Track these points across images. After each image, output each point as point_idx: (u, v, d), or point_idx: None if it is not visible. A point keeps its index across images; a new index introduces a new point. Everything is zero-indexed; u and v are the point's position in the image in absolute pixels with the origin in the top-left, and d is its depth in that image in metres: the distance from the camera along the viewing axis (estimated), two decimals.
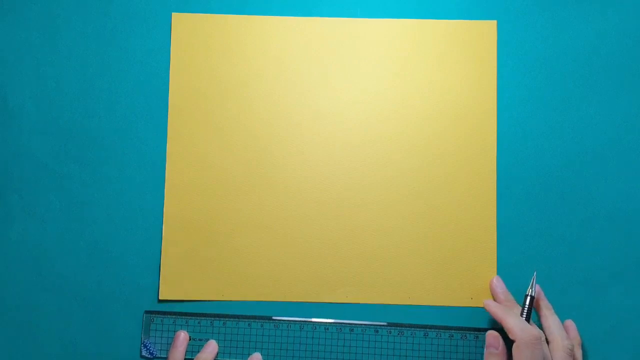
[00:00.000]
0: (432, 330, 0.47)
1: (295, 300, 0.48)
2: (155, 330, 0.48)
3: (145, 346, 0.47)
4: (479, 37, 0.49)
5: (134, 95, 0.50)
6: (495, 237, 0.49)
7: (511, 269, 0.49)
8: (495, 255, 0.49)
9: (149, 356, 0.47)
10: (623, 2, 0.50)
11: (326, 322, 0.48)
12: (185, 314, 0.48)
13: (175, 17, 0.49)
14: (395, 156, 0.49)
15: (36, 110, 0.50)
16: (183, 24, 0.49)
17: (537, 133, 0.49)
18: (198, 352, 0.47)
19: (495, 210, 0.49)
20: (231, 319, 0.47)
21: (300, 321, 0.47)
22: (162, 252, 0.49)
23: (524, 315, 0.45)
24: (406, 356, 0.47)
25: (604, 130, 0.49)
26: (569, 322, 0.47)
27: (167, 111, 0.50)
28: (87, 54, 0.50)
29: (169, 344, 0.47)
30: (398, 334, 0.47)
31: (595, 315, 0.48)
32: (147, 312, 0.48)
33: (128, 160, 0.49)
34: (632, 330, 0.48)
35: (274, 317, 0.48)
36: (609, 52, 0.50)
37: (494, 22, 0.50)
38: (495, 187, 0.49)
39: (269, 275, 0.49)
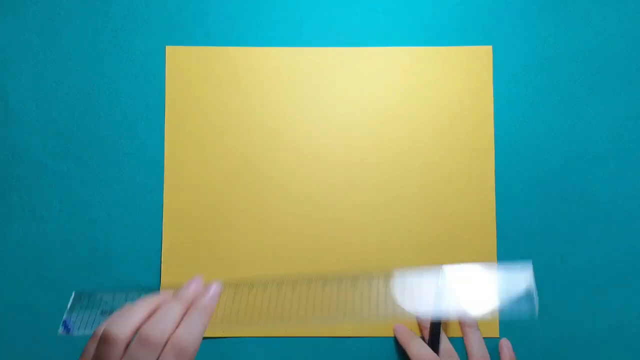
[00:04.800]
0: None
1: None
2: (83, 308, 0.40)
3: (64, 322, 0.41)
4: (475, 62, 0.49)
5: (134, 95, 0.50)
6: (495, 239, 0.49)
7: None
8: (496, 255, 0.49)
9: (65, 332, 0.41)
10: (624, 4, 0.50)
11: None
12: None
13: (170, 50, 0.49)
14: (394, 178, 0.49)
15: (36, 110, 0.50)
16: (177, 57, 0.49)
17: (537, 133, 0.49)
18: None
19: (494, 210, 0.49)
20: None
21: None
22: (162, 253, 0.49)
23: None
24: None
25: (604, 131, 0.49)
26: (503, 341, 0.47)
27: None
28: (87, 53, 0.50)
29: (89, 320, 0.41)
30: None
31: (595, 315, 0.48)
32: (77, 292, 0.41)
33: (128, 160, 0.49)
34: (632, 330, 0.48)
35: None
36: (608, 53, 0.50)
37: (490, 47, 0.50)
38: (494, 187, 0.49)
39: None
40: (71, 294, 0.40)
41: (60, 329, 0.40)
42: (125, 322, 0.34)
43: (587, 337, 0.48)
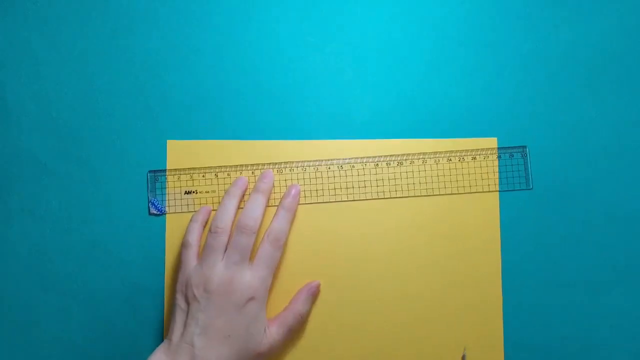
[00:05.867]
0: None
1: None
2: (161, 188, 0.49)
3: (152, 203, 0.48)
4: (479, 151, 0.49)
5: (134, 95, 0.50)
6: (499, 236, 0.49)
7: (513, 269, 0.49)
8: (500, 256, 0.49)
9: (157, 212, 0.48)
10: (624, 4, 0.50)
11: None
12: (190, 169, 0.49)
13: (170, 144, 0.49)
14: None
15: (36, 110, 0.50)
16: (178, 150, 0.49)
17: (537, 133, 0.50)
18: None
19: (498, 212, 0.49)
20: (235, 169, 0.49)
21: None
22: (165, 253, 0.49)
23: None
24: None
25: (604, 131, 0.50)
26: None
27: (167, 113, 0.50)
28: (87, 53, 0.50)
29: (175, 199, 0.49)
30: None
31: (595, 315, 0.48)
32: (150, 171, 0.49)
33: (128, 160, 0.49)
34: (632, 330, 0.48)
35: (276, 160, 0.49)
36: (609, 57, 0.50)
37: (494, 139, 0.49)
38: (498, 189, 0.49)
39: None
40: (146, 175, 0.49)
41: (151, 209, 0.48)
42: (224, 216, 0.45)
43: (587, 337, 0.48)
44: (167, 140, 0.49)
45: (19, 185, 0.49)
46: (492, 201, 0.49)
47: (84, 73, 0.50)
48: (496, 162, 0.49)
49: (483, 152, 0.49)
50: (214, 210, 0.49)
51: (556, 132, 0.50)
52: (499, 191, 0.49)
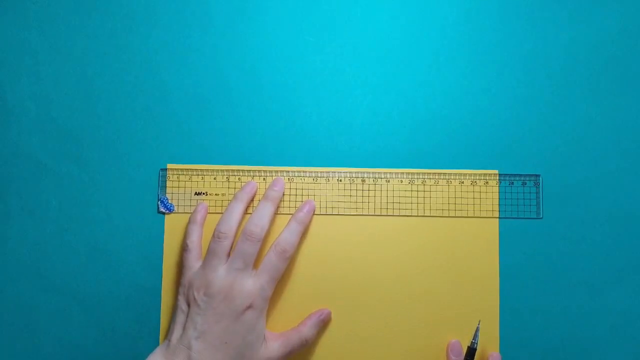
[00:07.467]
0: None
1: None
2: (172, 187, 0.49)
3: (161, 201, 0.48)
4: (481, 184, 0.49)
5: (134, 95, 0.50)
6: (498, 239, 0.49)
7: (512, 269, 0.49)
8: (498, 256, 0.49)
9: (166, 211, 0.48)
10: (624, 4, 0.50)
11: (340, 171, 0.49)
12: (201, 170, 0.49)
13: (170, 167, 0.49)
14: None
15: (35, 109, 0.50)
16: (176, 174, 0.49)
17: (536, 133, 0.50)
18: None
19: (497, 216, 0.49)
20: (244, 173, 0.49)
21: (314, 171, 0.49)
22: (163, 254, 0.49)
23: None
24: None
25: (604, 130, 0.50)
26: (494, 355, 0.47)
27: (166, 113, 0.50)
28: (87, 53, 0.50)
29: (185, 199, 0.49)
30: None
31: (595, 316, 0.48)
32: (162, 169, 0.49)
33: (128, 160, 0.49)
34: (632, 330, 0.48)
35: (288, 168, 0.49)
36: (609, 57, 0.50)
37: (496, 171, 0.49)
38: (498, 190, 0.49)
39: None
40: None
41: (160, 207, 0.48)
42: (228, 221, 0.45)
43: (587, 337, 0.48)
44: (167, 165, 0.49)
45: (18, 185, 0.49)
46: (492, 220, 0.49)
47: (84, 73, 0.50)
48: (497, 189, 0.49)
49: (483, 177, 0.49)
50: (216, 213, 0.49)
51: (555, 131, 0.50)
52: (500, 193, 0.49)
